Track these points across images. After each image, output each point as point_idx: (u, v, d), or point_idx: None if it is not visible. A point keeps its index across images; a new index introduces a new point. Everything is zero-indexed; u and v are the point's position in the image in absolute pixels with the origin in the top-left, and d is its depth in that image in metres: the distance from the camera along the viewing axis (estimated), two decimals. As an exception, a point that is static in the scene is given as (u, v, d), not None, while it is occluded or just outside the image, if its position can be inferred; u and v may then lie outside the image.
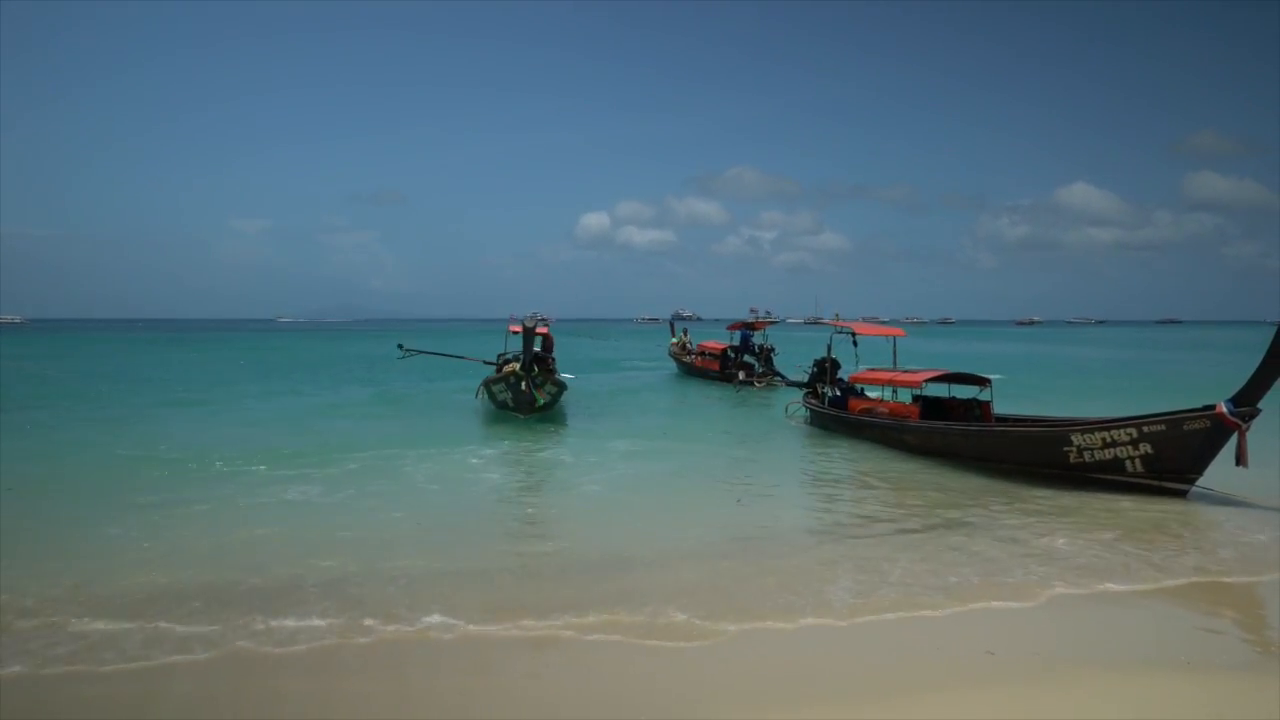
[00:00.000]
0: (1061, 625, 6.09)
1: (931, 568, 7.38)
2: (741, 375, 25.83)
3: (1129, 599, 6.57)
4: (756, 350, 27.06)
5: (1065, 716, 4.63)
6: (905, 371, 15.06)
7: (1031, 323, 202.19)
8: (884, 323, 19.47)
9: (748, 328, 28.31)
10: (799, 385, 19.02)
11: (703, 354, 29.92)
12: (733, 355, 27.39)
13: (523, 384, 16.91)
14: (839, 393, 16.46)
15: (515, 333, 25.34)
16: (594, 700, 4.92)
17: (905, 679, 5.14)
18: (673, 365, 33.47)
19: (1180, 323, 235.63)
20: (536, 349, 24.16)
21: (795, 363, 26.76)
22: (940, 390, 14.45)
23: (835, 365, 17.24)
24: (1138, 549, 7.98)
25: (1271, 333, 9.30)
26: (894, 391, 15.11)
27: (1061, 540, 8.27)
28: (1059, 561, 7.54)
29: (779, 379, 25.23)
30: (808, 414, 17.46)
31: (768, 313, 29.39)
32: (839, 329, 17.39)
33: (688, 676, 5.28)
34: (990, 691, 4.90)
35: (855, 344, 17.07)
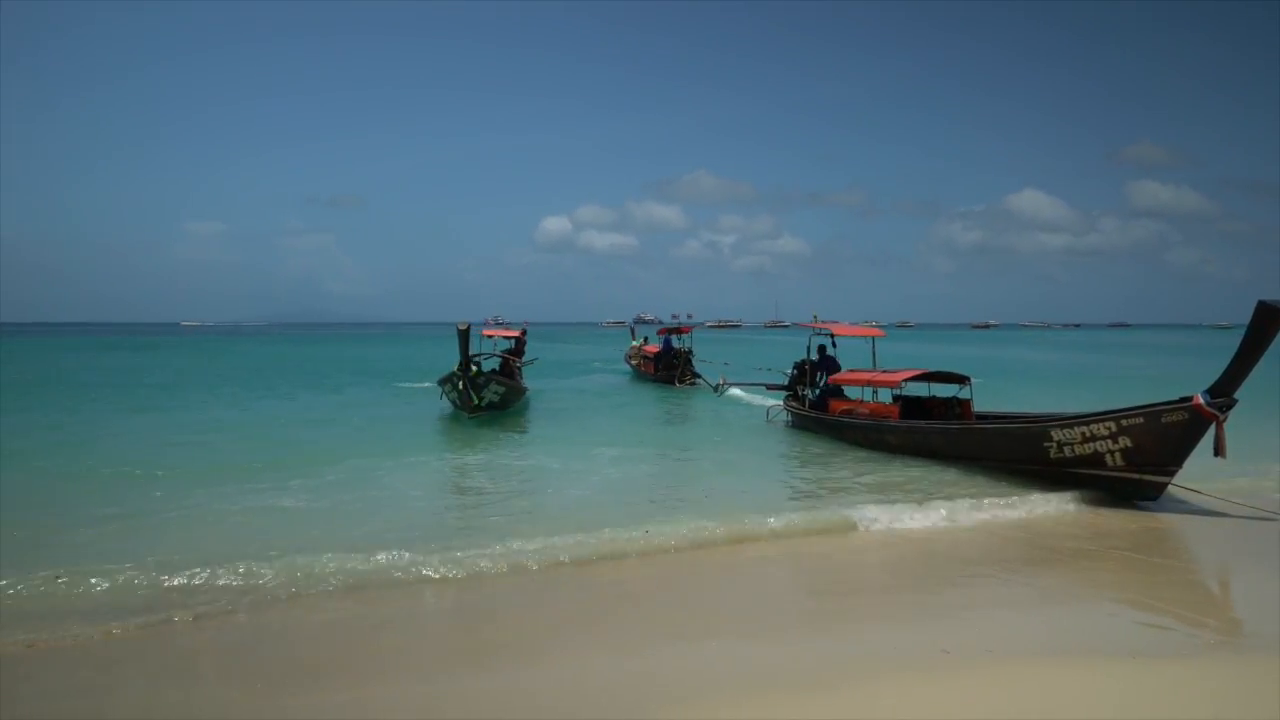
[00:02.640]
0: (1019, 625, 6.16)
1: (892, 568, 7.44)
2: (710, 381, 26.99)
3: (1083, 597, 6.75)
4: (675, 353, 29.30)
5: (1017, 705, 4.67)
6: (884, 371, 15.12)
7: (987, 326, 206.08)
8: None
9: (673, 332, 30.99)
10: (781, 388, 18.95)
11: (644, 358, 31.94)
12: (676, 357, 29.27)
13: (460, 384, 17.50)
14: (819, 394, 16.47)
15: (489, 336, 25.60)
16: (549, 704, 4.84)
17: (853, 674, 5.15)
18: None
19: (1129, 326, 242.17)
20: (508, 349, 24.45)
21: (757, 364, 27.11)
22: (920, 390, 14.55)
23: (815, 367, 17.22)
24: (1100, 547, 8.15)
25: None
26: (874, 392, 15.14)
27: (1025, 539, 8.39)
28: (1019, 561, 7.64)
29: (699, 379, 27.71)
30: (790, 417, 17.42)
31: (690, 316, 33.88)
32: (818, 330, 17.38)
33: (639, 673, 5.27)
34: (940, 684, 4.94)
35: (834, 345, 17.10)
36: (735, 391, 23.07)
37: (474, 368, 17.75)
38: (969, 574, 7.29)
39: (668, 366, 29.01)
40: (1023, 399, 20.08)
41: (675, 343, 30.28)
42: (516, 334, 26.50)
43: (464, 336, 17.20)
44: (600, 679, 5.19)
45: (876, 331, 17.78)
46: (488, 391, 18.17)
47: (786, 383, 18.45)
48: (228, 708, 4.73)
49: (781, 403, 18.16)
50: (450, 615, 6.36)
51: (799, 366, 17.69)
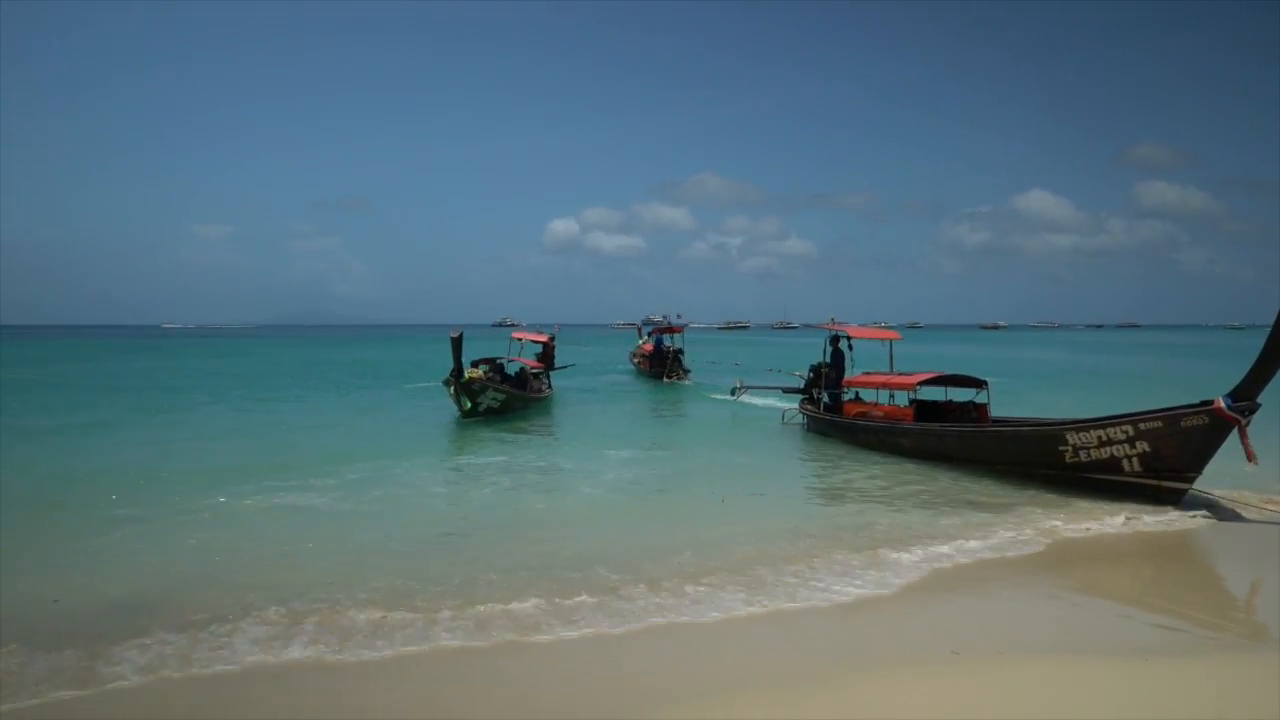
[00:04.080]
0: (1031, 626, 6.18)
1: (904, 570, 7.36)
2: (685, 375, 30.42)
3: (1097, 598, 6.76)
4: (667, 352, 31.46)
5: (1025, 704, 4.69)
6: (900, 375, 14.91)
7: (997, 327, 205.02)
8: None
9: (664, 332, 33.67)
10: (796, 391, 18.77)
11: (643, 356, 34.00)
12: (666, 355, 31.40)
13: (451, 389, 18.08)
14: (829, 398, 16.28)
15: (518, 339, 26.01)
16: (545, 703, 4.83)
17: (858, 674, 5.17)
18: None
19: (1140, 327, 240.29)
20: (537, 354, 24.86)
21: (767, 366, 27.01)
22: (937, 394, 14.35)
23: (830, 369, 17.01)
24: (1117, 550, 8.11)
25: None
26: (890, 395, 14.91)
27: (1042, 541, 8.29)
28: (1035, 563, 7.59)
29: (688, 375, 30.24)
30: (805, 420, 17.24)
31: (679, 316, 37.80)
32: (834, 333, 17.17)
33: (655, 667, 5.33)
34: (948, 683, 4.97)
35: (850, 347, 16.87)
36: (747, 399, 22.90)
37: (465, 373, 17.94)
38: (983, 577, 7.22)
39: (658, 364, 31.10)
40: (1044, 403, 19.83)
41: (666, 342, 32.44)
42: (544, 339, 26.67)
43: (456, 344, 17.50)
44: (600, 677, 5.18)
45: (892, 334, 17.51)
46: (485, 398, 18.46)
47: (802, 386, 18.29)
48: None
49: (797, 406, 17.98)
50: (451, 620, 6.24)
51: (814, 369, 17.50)
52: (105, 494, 10.54)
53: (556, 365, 27.06)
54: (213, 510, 9.64)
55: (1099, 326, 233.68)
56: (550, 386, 24.62)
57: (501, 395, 19.10)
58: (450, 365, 17.87)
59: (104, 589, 6.82)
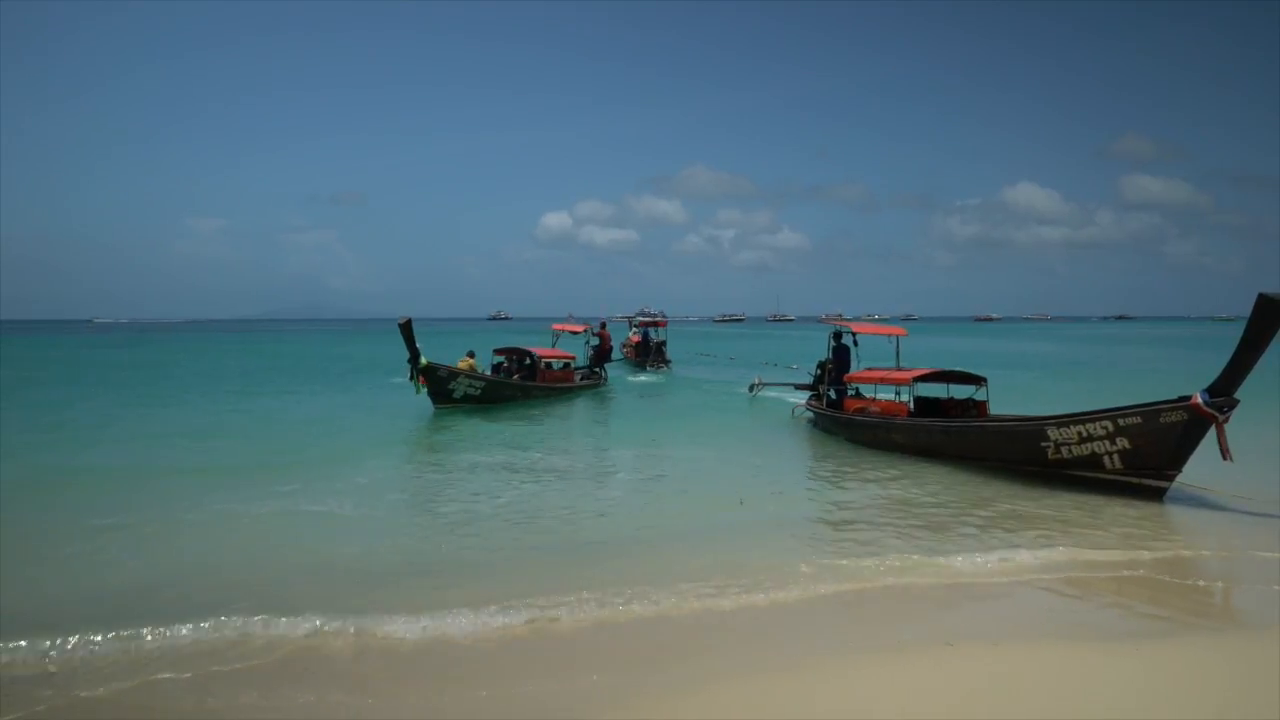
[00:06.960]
0: (1021, 616, 6.31)
1: (901, 566, 7.49)
2: (667, 365, 33.58)
3: (1091, 590, 6.90)
4: (651, 343, 34.91)
5: (1021, 688, 4.84)
6: (896, 370, 14.98)
7: (989, 319, 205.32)
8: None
9: (650, 325, 37.04)
10: (807, 388, 19.04)
11: (632, 347, 36.43)
12: (650, 347, 34.75)
13: (409, 375, 18.22)
14: (834, 394, 16.45)
15: (557, 330, 26.33)
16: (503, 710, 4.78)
17: (859, 659, 5.32)
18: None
19: (1132, 319, 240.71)
20: (595, 347, 26.75)
21: (763, 359, 27.05)
22: (939, 390, 14.47)
23: (833, 365, 17.15)
24: (1111, 541, 8.27)
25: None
26: (896, 392, 15.00)
27: (1022, 537, 8.43)
28: (1022, 556, 7.74)
29: (667, 364, 33.53)
30: (813, 415, 17.46)
31: (661, 312, 41.25)
32: (838, 328, 17.30)
33: (660, 655, 5.42)
34: (944, 669, 5.08)
35: (855, 343, 17.01)
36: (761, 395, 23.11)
37: (424, 360, 17.93)
38: (977, 573, 7.35)
39: (643, 354, 34.16)
40: (1045, 397, 19.83)
41: (651, 334, 35.77)
42: (578, 329, 27.05)
43: (406, 330, 17.69)
44: (602, 669, 5.21)
45: (898, 330, 17.59)
46: (458, 385, 18.45)
47: (811, 381, 18.61)
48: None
49: (805, 401, 18.21)
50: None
51: (822, 365, 17.70)
52: (93, 495, 10.35)
53: (612, 358, 28.87)
54: (200, 516, 9.27)
55: (1119, 318, 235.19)
56: (599, 374, 26.21)
57: (480, 383, 18.87)
58: (444, 357, 17.94)
59: (87, 596, 6.60)
